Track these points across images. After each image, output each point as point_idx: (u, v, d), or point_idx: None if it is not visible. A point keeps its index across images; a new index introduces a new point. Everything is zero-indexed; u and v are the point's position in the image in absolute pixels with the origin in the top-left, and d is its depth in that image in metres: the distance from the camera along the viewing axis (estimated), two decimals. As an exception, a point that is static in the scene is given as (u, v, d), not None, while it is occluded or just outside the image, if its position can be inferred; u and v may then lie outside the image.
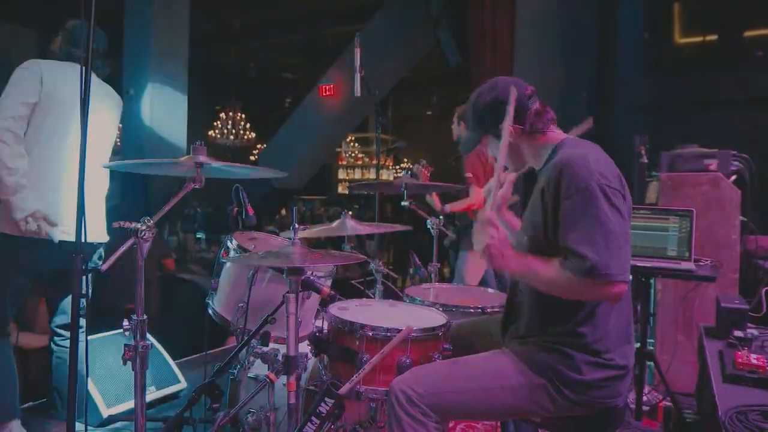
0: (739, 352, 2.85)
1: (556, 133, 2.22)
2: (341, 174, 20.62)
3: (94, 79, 3.07)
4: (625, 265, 1.88)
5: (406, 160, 19.75)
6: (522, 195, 3.63)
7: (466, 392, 2.05)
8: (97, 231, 3.28)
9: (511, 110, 2.09)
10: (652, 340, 4.17)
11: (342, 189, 20.35)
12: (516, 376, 2.04)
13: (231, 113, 16.68)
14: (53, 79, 3.05)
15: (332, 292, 2.40)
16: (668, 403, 3.71)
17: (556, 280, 1.90)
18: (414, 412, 2.00)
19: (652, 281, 3.94)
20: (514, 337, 2.19)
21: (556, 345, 2.03)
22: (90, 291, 3.02)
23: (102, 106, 3.31)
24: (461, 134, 4.98)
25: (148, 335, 2.22)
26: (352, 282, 4.77)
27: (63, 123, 3.06)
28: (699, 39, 10.28)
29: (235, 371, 2.87)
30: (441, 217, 3.89)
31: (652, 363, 3.81)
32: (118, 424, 3.60)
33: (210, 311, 2.95)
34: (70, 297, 2.93)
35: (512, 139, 2.17)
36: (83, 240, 1.99)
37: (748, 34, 9.75)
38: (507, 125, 2.10)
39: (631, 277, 2.01)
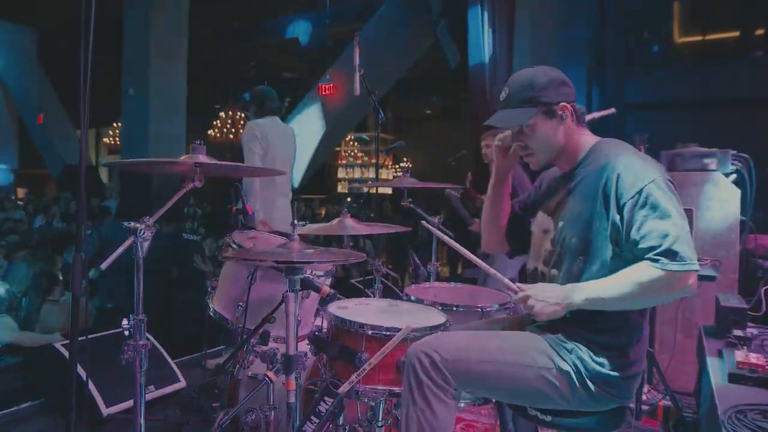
0: (739, 352, 2.85)
1: (590, 135, 2.19)
2: (341, 173, 20.60)
3: (276, 121, 4.83)
4: (695, 254, 1.86)
5: (405, 159, 19.76)
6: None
7: (490, 363, 2.02)
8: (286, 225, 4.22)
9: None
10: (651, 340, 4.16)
11: (341, 188, 20.34)
12: (543, 359, 2.02)
13: (230, 112, 16.67)
14: (266, 132, 4.66)
15: (332, 291, 2.39)
16: (668, 403, 3.71)
17: (636, 284, 1.86)
18: (436, 377, 1.98)
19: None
20: (544, 327, 2.16)
21: (587, 338, 2.02)
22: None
23: (283, 139, 4.85)
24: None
25: (147, 335, 2.21)
26: (352, 281, 4.76)
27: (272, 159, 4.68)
28: (699, 38, 10.29)
29: (235, 370, 2.87)
30: (439, 216, 3.89)
31: (651, 362, 3.81)
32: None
33: (209, 310, 2.94)
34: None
35: (567, 120, 2.12)
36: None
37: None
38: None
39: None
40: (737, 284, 4.15)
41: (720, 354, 2.97)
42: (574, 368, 2.00)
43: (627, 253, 1.93)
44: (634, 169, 1.95)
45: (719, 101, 9.00)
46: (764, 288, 3.71)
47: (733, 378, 2.66)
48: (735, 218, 4.18)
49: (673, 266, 1.81)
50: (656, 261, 1.83)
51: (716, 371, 2.79)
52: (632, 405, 3.61)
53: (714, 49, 10.10)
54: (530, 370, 2.01)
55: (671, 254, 1.82)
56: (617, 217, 1.94)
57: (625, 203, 1.92)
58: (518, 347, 2.06)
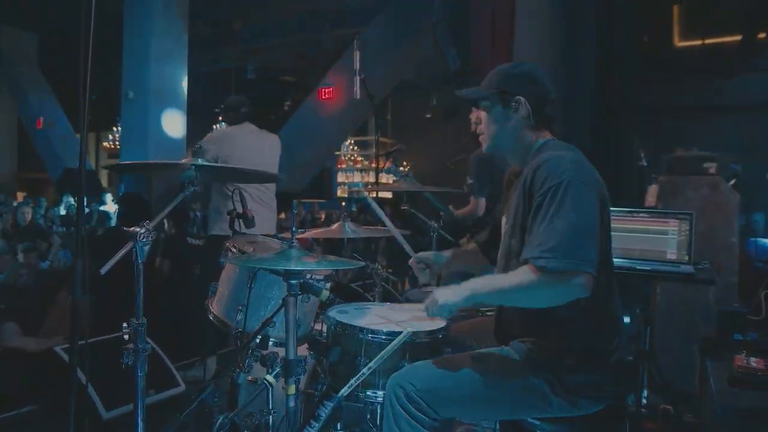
0: (738, 355, 2.85)
1: (545, 135, 2.22)
2: (340, 177, 20.59)
3: (248, 128, 4.77)
4: (589, 255, 1.87)
5: (405, 163, 19.75)
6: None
7: (465, 388, 2.04)
8: (267, 226, 4.60)
9: None
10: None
11: (341, 192, 20.33)
12: (515, 375, 2.04)
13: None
14: (232, 140, 4.63)
15: (331, 295, 2.39)
16: (667, 406, 3.71)
17: (523, 283, 1.90)
18: (411, 408, 2.01)
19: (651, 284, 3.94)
20: (510, 336, 2.19)
21: (551, 346, 2.04)
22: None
23: (255, 146, 4.71)
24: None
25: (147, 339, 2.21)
26: (352, 285, 4.76)
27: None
28: (698, 42, 10.30)
29: (234, 374, 2.86)
30: (441, 220, 3.90)
31: (651, 366, 3.81)
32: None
33: (209, 315, 2.94)
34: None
35: (519, 113, 2.17)
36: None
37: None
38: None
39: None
40: (737, 288, 4.15)
41: (720, 358, 2.97)
42: (546, 379, 2.01)
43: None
44: (545, 170, 1.98)
45: (720, 105, 9.02)
46: (764, 292, 3.71)
47: (733, 381, 2.66)
48: (734, 222, 4.19)
49: (552, 265, 1.84)
50: (536, 260, 1.87)
51: (716, 375, 2.79)
52: (632, 408, 3.61)
53: (714, 54, 10.11)
54: (505, 387, 2.04)
55: (551, 254, 1.84)
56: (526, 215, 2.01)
57: (533, 204, 1.98)
58: (491, 367, 2.08)
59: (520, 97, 2.16)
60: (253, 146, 4.73)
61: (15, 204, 10.44)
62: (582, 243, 1.86)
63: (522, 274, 1.91)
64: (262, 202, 4.69)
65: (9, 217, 9.80)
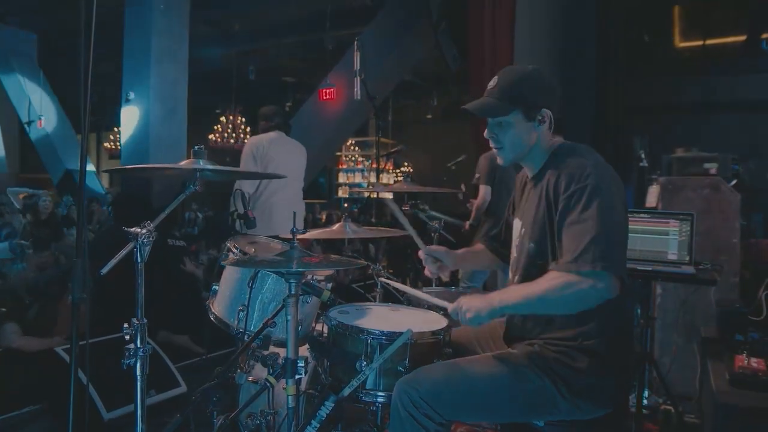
0: (739, 356, 2.85)
1: (560, 139, 2.22)
2: (341, 178, 20.59)
3: (282, 136, 4.98)
4: (616, 257, 1.89)
5: (406, 163, 19.74)
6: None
7: (471, 393, 2.04)
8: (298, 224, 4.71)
9: None
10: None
11: (342, 193, 20.33)
12: (522, 378, 2.03)
13: (231, 117, 16.67)
14: (268, 147, 4.82)
15: (332, 296, 2.39)
16: (668, 407, 3.70)
17: (551, 288, 1.90)
18: (417, 414, 2.00)
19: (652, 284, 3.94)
20: (518, 339, 2.19)
21: (560, 347, 2.04)
22: None
23: (288, 154, 5.00)
24: None
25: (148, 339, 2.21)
26: (353, 285, 4.76)
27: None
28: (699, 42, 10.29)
29: (235, 375, 2.86)
30: (441, 221, 3.91)
31: (652, 366, 3.81)
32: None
33: (210, 315, 2.94)
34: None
35: (544, 125, 2.15)
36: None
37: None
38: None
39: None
40: (738, 289, 4.15)
41: (721, 358, 2.97)
42: (553, 381, 2.02)
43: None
44: (569, 175, 1.99)
45: (721, 105, 9.01)
46: (765, 293, 3.70)
47: (734, 382, 2.66)
48: (736, 222, 4.18)
49: (583, 270, 1.85)
50: (566, 265, 1.88)
51: (717, 375, 2.79)
52: (633, 409, 3.61)
53: (714, 53, 10.11)
54: (513, 390, 2.04)
55: (581, 259, 1.85)
56: (556, 220, 2.00)
57: (558, 208, 1.98)
58: (497, 372, 2.07)
59: (546, 110, 2.13)
60: (288, 153, 5.02)
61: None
62: (611, 246, 1.87)
63: (550, 280, 1.91)
64: (289, 204, 4.89)
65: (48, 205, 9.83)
